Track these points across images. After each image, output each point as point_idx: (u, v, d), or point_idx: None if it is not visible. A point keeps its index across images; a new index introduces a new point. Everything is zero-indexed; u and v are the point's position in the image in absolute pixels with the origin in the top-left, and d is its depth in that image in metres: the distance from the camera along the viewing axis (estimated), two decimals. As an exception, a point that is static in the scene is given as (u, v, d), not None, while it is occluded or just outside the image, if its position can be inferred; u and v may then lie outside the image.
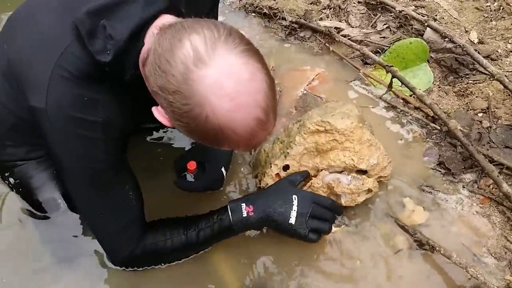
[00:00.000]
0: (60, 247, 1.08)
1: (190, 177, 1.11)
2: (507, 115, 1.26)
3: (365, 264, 1.05)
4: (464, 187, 1.15)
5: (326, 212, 1.01)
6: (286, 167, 1.11)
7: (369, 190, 1.10)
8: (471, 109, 1.30)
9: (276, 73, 1.47)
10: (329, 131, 1.07)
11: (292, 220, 0.98)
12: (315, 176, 1.11)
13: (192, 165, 1.09)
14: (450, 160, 1.20)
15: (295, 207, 0.99)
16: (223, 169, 1.13)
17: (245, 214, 0.98)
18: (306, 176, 1.09)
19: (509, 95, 1.29)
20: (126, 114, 0.86)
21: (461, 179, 1.17)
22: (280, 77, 1.46)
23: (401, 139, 1.27)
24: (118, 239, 0.95)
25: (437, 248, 1.01)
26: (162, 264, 1.04)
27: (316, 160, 1.10)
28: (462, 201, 1.13)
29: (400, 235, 1.09)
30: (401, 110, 1.33)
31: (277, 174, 1.11)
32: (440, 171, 1.19)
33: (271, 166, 1.11)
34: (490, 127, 1.23)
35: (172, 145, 1.28)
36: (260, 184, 1.13)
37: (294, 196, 1.00)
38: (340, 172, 1.10)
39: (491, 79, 1.31)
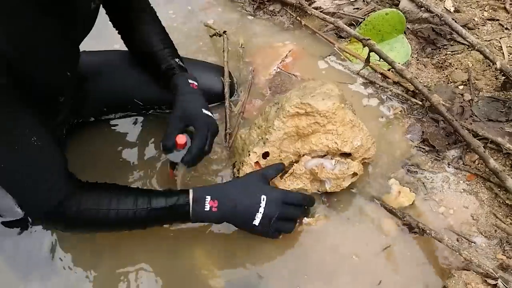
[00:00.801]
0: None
1: (182, 153, 0.96)
2: (488, 87, 1.22)
3: (352, 252, 1.00)
4: (449, 164, 1.12)
5: (294, 211, 0.97)
6: (265, 154, 1.04)
7: (354, 174, 1.05)
8: (451, 82, 1.25)
9: (245, 51, 1.38)
10: (310, 114, 1.00)
11: (257, 222, 0.92)
12: (297, 162, 1.05)
13: (181, 138, 0.95)
14: (434, 136, 1.16)
15: (261, 209, 0.92)
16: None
17: (207, 208, 0.89)
18: (280, 170, 1.01)
19: (489, 65, 1.25)
20: (21, 40, 0.70)
21: (445, 156, 1.13)
22: (250, 55, 1.37)
23: (382, 117, 1.22)
24: (35, 191, 0.81)
25: (427, 231, 0.97)
26: (96, 231, 0.96)
27: (297, 145, 1.04)
28: (448, 179, 1.09)
29: (388, 219, 1.04)
30: (380, 86, 1.27)
31: (257, 163, 1.04)
32: (424, 148, 1.15)
33: (249, 154, 1.03)
34: (472, 100, 1.19)
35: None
36: (238, 174, 1.05)
37: (263, 197, 0.92)
38: (323, 157, 1.04)
39: (470, 49, 1.27)
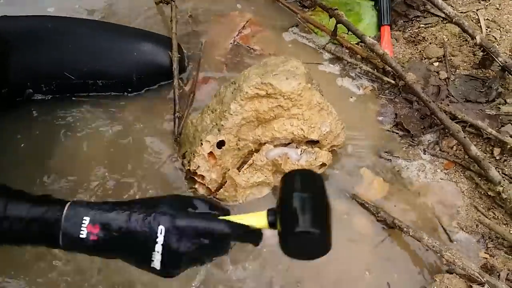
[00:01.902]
0: None
1: None
2: (465, 64, 1.11)
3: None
4: (425, 151, 1.01)
5: (214, 245, 0.58)
6: (220, 144, 0.88)
7: (323, 165, 0.92)
8: (425, 58, 1.14)
9: (195, 20, 1.21)
10: (272, 96, 0.85)
11: (157, 265, 0.56)
12: (257, 151, 0.91)
13: None
14: (408, 119, 1.04)
15: (158, 248, 0.56)
16: None
17: (83, 234, 0.57)
18: (219, 215, 0.60)
19: (466, 40, 1.14)
20: None
21: (420, 141, 1.02)
22: (202, 25, 1.20)
23: (351, 97, 1.09)
24: None
25: (404, 229, 0.86)
26: None
27: (257, 131, 0.89)
28: (424, 167, 0.99)
29: (361, 215, 0.92)
30: (348, 62, 1.14)
31: (211, 154, 0.88)
32: (397, 133, 1.03)
33: (201, 144, 0.88)
34: (448, 78, 1.08)
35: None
36: (189, 166, 0.89)
37: (161, 228, 0.56)
38: (287, 145, 0.91)
39: (445, 22, 1.15)
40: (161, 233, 0.56)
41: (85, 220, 0.57)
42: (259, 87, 0.85)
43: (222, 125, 0.87)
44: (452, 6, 1.21)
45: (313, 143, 0.91)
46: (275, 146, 0.90)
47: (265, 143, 0.90)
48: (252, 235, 0.59)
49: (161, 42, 1.08)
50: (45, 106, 1.03)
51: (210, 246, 0.57)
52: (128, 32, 1.08)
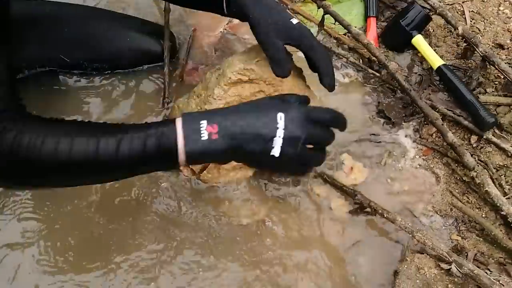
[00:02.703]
0: None
1: None
2: (449, 54, 1.14)
3: (301, 234, 0.91)
4: (406, 137, 1.03)
5: (323, 133, 0.68)
6: None
7: None
8: (410, 48, 1.16)
9: (188, 10, 1.24)
10: (254, 81, 0.88)
11: (276, 151, 0.64)
12: None
13: None
14: (390, 107, 1.07)
15: (280, 132, 0.63)
16: None
17: (204, 137, 0.61)
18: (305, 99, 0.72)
19: (451, 31, 1.16)
20: None
21: (401, 128, 1.05)
22: (193, 14, 1.23)
23: (336, 85, 1.11)
24: None
25: (379, 211, 0.89)
26: (44, 181, 0.67)
27: None
28: (404, 154, 1.01)
29: (338, 198, 0.96)
30: (336, 53, 1.17)
31: None
32: (379, 120, 1.06)
33: None
34: (431, 67, 1.11)
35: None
36: None
37: (280, 115, 0.64)
38: None
39: (431, 13, 1.17)
40: (281, 119, 0.63)
41: (202, 123, 0.62)
42: (241, 72, 0.88)
43: (206, 109, 0.90)
44: (439, -2, 1.23)
45: None
46: None
47: None
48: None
49: (152, 29, 1.12)
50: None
51: (321, 132, 0.67)
52: (120, 18, 1.12)
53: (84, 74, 1.09)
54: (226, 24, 1.22)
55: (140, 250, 0.88)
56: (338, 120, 0.70)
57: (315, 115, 0.66)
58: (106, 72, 1.10)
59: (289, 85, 0.90)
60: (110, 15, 1.13)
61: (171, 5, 1.19)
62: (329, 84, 0.78)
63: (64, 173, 0.64)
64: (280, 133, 0.63)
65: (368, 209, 0.91)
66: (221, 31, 1.21)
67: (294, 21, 0.79)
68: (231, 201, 0.95)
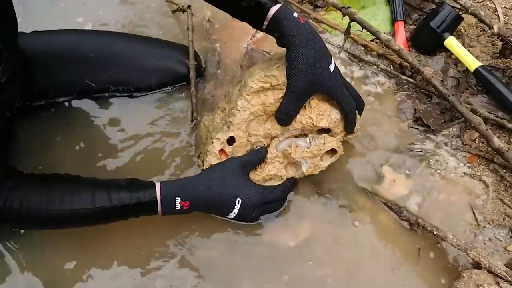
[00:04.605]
0: None
1: None
2: (484, 54, 1.09)
3: (345, 252, 0.88)
4: (447, 145, 0.99)
5: (274, 207, 0.91)
6: (231, 140, 0.89)
7: (333, 151, 0.90)
8: (442, 51, 1.12)
9: (213, 26, 1.22)
10: (277, 87, 0.85)
11: (232, 216, 0.87)
12: (268, 145, 0.91)
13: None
14: (428, 114, 1.03)
15: (236, 210, 0.85)
16: None
17: (178, 207, 0.83)
18: (262, 156, 0.89)
19: (484, 30, 1.12)
20: None
21: (441, 135, 1.01)
22: (217, 31, 1.21)
23: (368, 95, 1.08)
24: None
25: (428, 228, 0.85)
26: (49, 229, 0.88)
27: (267, 125, 0.89)
28: (447, 162, 0.97)
29: (383, 213, 0.92)
30: (365, 61, 1.13)
31: (222, 151, 0.89)
32: (417, 128, 1.02)
33: (212, 142, 0.89)
34: (467, 69, 1.06)
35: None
36: (203, 166, 0.90)
37: (238, 200, 0.84)
38: (297, 136, 0.90)
39: (461, 12, 1.13)
40: (238, 204, 0.84)
41: (177, 199, 0.82)
42: (262, 80, 0.85)
43: (231, 121, 0.88)
44: (467, -4, 1.18)
45: (325, 132, 0.90)
46: (286, 137, 0.90)
47: (275, 137, 0.90)
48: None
49: (177, 49, 1.10)
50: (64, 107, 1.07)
51: (273, 206, 0.90)
52: (144, 40, 1.11)
53: (112, 96, 1.08)
54: (250, 39, 1.19)
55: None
56: (286, 193, 0.92)
57: (267, 198, 0.86)
58: (134, 95, 1.08)
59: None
60: (134, 37, 1.12)
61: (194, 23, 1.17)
62: (350, 132, 0.90)
63: (65, 226, 0.85)
64: (235, 211, 0.85)
65: (416, 226, 0.87)
66: (245, 47, 1.18)
67: (332, 67, 0.83)
68: (272, 223, 0.92)
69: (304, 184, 0.95)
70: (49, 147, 1.01)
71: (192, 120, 1.04)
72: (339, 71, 0.86)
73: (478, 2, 1.17)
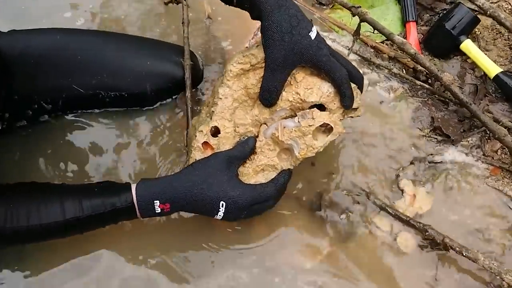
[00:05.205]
0: None
1: None
2: (501, 58, 1.04)
3: (365, 274, 0.81)
4: (468, 155, 0.93)
5: (264, 207, 0.78)
6: (215, 131, 0.80)
7: (328, 127, 0.78)
8: (457, 54, 1.06)
9: (213, 23, 1.12)
10: (257, 66, 0.77)
11: (219, 218, 0.76)
12: (258, 135, 0.81)
13: None
14: (446, 122, 0.97)
15: (221, 213, 0.75)
16: None
17: (158, 211, 0.74)
18: (250, 148, 0.78)
19: (500, 32, 1.06)
20: None
21: (461, 146, 0.95)
22: (217, 29, 1.11)
23: (381, 102, 1.01)
24: None
25: (457, 249, 0.79)
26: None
27: (254, 112, 0.80)
28: (468, 174, 0.92)
29: (405, 232, 0.85)
30: (378, 64, 1.06)
31: (206, 144, 0.80)
32: (436, 138, 0.96)
33: (196, 136, 0.80)
34: (485, 75, 1.01)
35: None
36: (188, 162, 0.81)
37: (222, 203, 0.74)
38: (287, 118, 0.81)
39: (476, 13, 1.07)
40: (222, 207, 0.74)
41: (156, 202, 0.73)
42: (241, 61, 0.78)
43: (213, 111, 0.80)
44: (480, -3, 1.13)
45: (319, 109, 0.79)
46: (276, 121, 0.80)
47: (265, 123, 0.81)
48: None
49: (174, 50, 1.00)
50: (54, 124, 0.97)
51: (265, 206, 0.77)
52: (137, 41, 1.01)
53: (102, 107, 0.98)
54: (251, 38, 1.10)
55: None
56: (279, 193, 0.79)
57: (256, 199, 0.75)
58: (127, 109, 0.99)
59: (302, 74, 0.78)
60: (126, 37, 1.02)
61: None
62: (347, 106, 0.77)
63: (37, 241, 0.78)
64: (220, 214, 0.75)
65: (442, 246, 0.81)
66: (246, 46, 1.09)
67: (313, 34, 0.72)
68: (286, 247, 0.84)
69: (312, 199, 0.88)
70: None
71: (187, 128, 0.95)
72: (324, 40, 0.75)
73: (492, 2, 1.11)
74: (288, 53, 0.72)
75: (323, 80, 0.77)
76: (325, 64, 0.73)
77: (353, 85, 0.78)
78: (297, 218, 0.87)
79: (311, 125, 0.76)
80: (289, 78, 0.77)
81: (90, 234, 0.77)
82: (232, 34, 1.11)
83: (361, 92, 0.81)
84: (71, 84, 0.94)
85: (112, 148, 0.94)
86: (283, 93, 0.77)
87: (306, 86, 0.77)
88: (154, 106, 1.00)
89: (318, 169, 0.92)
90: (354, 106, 0.79)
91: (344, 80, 0.75)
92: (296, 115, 0.78)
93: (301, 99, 0.77)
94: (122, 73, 0.96)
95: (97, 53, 0.96)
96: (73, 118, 0.97)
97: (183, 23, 1.05)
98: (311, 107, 0.78)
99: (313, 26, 0.74)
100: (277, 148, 0.80)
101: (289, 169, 0.80)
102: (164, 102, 1.00)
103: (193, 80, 0.98)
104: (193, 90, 0.99)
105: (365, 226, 0.86)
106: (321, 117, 0.77)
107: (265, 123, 0.80)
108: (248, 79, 0.78)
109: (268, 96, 0.76)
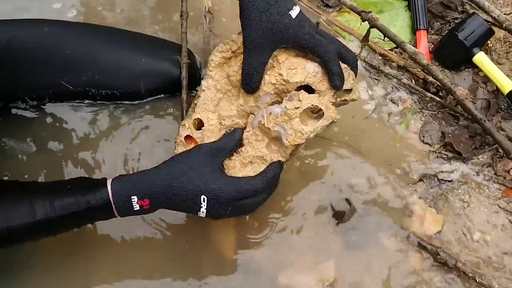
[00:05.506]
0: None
1: None
2: (514, 73, 1.00)
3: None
4: (478, 175, 0.89)
5: (252, 204, 0.70)
6: (199, 124, 0.75)
7: (317, 112, 0.71)
8: (468, 67, 1.02)
9: (214, 19, 1.06)
10: (238, 52, 0.74)
11: (203, 215, 0.69)
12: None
13: None
14: (457, 138, 0.93)
15: (204, 209, 0.68)
16: None
17: (137, 208, 0.68)
18: (237, 140, 0.72)
19: (514, 46, 1.02)
20: None
21: (472, 163, 0.91)
22: (218, 25, 1.05)
23: (389, 113, 0.97)
24: None
25: (470, 274, 0.75)
26: None
27: (239, 102, 0.75)
28: (479, 194, 0.87)
29: (415, 254, 0.81)
30: (386, 73, 1.01)
31: (189, 137, 0.75)
32: (446, 154, 0.91)
33: (179, 131, 0.76)
34: (498, 90, 0.97)
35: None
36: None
37: (203, 197, 0.67)
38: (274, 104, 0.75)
39: (489, 23, 1.03)
40: (203, 201, 0.67)
41: (133, 198, 0.67)
42: (222, 49, 0.75)
43: (196, 103, 0.76)
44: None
45: (307, 91, 0.72)
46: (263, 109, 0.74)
47: (252, 113, 0.75)
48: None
49: (171, 48, 0.95)
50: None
51: (253, 202, 0.69)
52: (131, 36, 0.95)
53: (92, 105, 0.91)
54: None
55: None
56: (272, 184, 0.71)
57: (241, 193, 0.67)
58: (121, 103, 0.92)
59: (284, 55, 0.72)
60: (120, 32, 0.96)
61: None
62: (337, 86, 0.71)
63: (8, 245, 0.68)
64: (203, 210, 0.68)
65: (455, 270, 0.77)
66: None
67: (294, 12, 0.68)
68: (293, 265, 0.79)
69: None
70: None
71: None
72: (308, 19, 0.70)
73: (504, 14, 1.07)
74: (266, 32, 0.67)
75: (309, 60, 0.72)
76: (308, 42, 0.68)
77: (344, 65, 0.72)
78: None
79: (297, 107, 0.70)
80: (271, 61, 0.72)
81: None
82: (234, 31, 1.04)
83: (355, 73, 0.74)
84: (59, 80, 0.89)
85: (96, 143, 0.89)
86: (266, 76, 0.72)
87: (290, 67, 0.71)
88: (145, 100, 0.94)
89: (326, 184, 0.87)
90: (347, 87, 0.72)
91: (332, 56, 0.68)
92: (283, 98, 0.73)
93: (284, 80, 0.71)
94: (114, 70, 0.91)
95: (88, 49, 0.90)
96: (53, 109, 0.91)
97: (181, 16, 0.98)
98: (299, 89, 0.72)
99: (295, 5, 0.69)
100: (266, 139, 0.73)
101: (279, 161, 0.72)
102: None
103: (190, 80, 0.92)
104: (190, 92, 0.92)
105: (375, 245, 0.81)
106: (308, 99, 0.70)
107: (252, 113, 0.75)
108: (230, 67, 0.75)
109: (248, 80, 0.71)
